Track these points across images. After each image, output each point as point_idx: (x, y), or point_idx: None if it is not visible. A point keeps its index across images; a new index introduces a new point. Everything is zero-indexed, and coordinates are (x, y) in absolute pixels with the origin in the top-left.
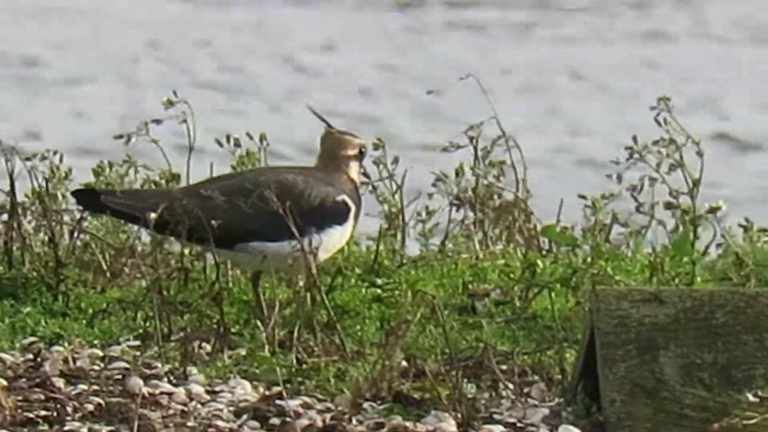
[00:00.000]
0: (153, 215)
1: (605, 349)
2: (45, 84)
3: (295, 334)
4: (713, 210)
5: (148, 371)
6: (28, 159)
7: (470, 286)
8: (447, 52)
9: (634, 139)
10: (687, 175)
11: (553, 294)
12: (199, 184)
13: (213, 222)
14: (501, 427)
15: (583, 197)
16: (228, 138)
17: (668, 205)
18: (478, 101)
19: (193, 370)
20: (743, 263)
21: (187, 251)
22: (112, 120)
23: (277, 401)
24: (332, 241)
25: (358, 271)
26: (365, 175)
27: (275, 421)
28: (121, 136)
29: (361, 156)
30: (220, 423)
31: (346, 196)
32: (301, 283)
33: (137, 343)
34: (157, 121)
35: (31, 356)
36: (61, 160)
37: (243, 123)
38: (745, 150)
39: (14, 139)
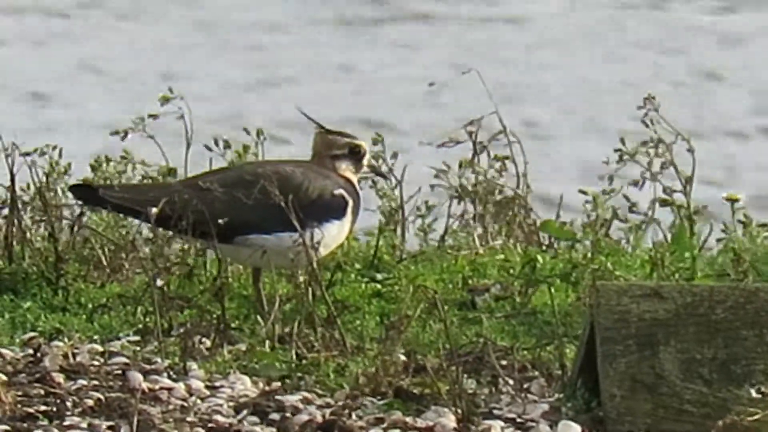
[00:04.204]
0: (154, 209)
1: (605, 344)
2: None
3: (295, 329)
4: (731, 200)
5: (147, 366)
6: (27, 154)
7: (470, 282)
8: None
9: (622, 141)
10: (678, 173)
11: (553, 289)
12: (197, 176)
13: (215, 217)
14: (501, 423)
15: (584, 192)
16: (216, 141)
17: (663, 202)
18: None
19: (192, 365)
20: (740, 259)
21: (188, 246)
22: None
23: (277, 396)
24: (330, 235)
25: (357, 266)
26: (377, 173)
27: (275, 416)
28: (117, 132)
29: (352, 155)
30: (219, 418)
31: (343, 190)
32: (301, 278)
33: (137, 338)
34: (154, 116)
35: (30, 351)
36: (60, 156)
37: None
38: None
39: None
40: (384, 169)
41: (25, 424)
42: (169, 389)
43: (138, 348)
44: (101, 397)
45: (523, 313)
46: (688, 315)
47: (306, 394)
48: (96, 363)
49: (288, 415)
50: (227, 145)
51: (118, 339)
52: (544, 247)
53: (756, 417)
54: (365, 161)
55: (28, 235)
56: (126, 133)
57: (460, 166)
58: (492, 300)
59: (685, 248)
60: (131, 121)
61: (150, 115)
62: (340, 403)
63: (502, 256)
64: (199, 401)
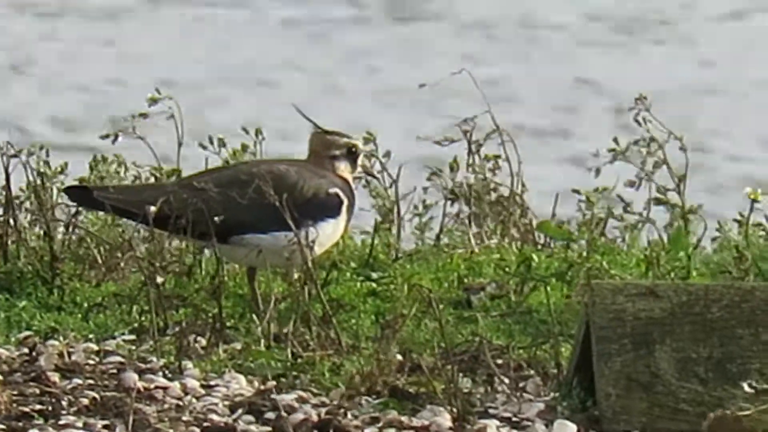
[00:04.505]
0: (153, 209)
1: (600, 343)
2: None
3: (290, 328)
4: (754, 199)
5: (143, 365)
6: (14, 156)
7: (466, 280)
8: None
9: (615, 140)
10: (671, 172)
11: (548, 288)
12: (192, 176)
13: (211, 217)
14: (496, 422)
15: (577, 192)
16: (211, 139)
17: (657, 201)
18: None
19: (188, 364)
20: (743, 257)
21: (184, 245)
22: None
23: (272, 395)
24: (326, 234)
25: (353, 264)
26: (369, 173)
27: (270, 415)
28: (107, 136)
29: (350, 155)
30: (215, 417)
31: (338, 189)
32: (296, 277)
33: (132, 337)
34: (144, 115)
35: (26, 350)
36: (47, 155)
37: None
38: None
39: None
40: (377, 168)
41: (20, 424)
42: (165, 388)
43: (133, 347)
44: (96, 396)
45: (519, 312)
46: (684, 314)
47: (301, 393)
48: (91, 362)
49: (283, 414)
50: (222, 144)
51: (114, 338)
52: (539, 246)
53: (748, 412)
54: (359, 161)
55: (23, 234)
56: (117, 136)
57: (451, 169)
58: (487, 299)
59: (682, 248)
60: (123, 120)
61: (140, 114)
62: (336, 403)
63: (497, 255)
64: (194, 400)
